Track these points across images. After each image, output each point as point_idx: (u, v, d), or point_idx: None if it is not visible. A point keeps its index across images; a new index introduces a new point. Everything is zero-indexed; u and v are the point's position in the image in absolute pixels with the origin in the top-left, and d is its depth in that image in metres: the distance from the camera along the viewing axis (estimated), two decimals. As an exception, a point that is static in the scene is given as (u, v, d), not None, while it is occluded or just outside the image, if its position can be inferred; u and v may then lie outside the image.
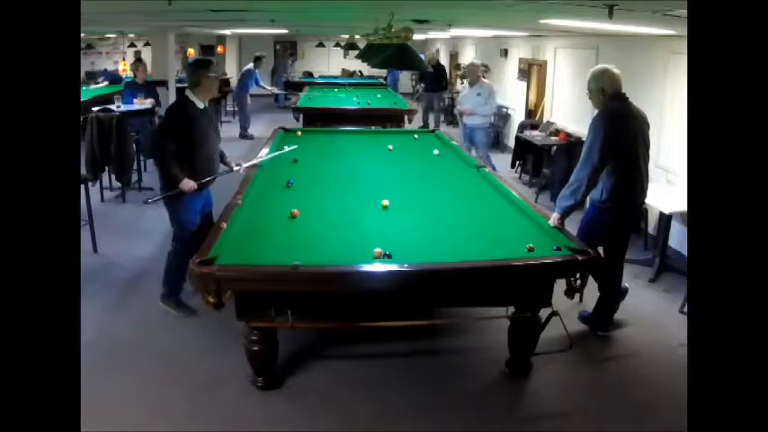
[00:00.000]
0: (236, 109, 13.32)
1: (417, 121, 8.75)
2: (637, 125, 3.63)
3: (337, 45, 15.92)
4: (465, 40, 13.06)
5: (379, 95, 10.28)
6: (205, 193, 4.02)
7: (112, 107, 7.43)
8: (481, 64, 11.38)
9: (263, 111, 13.62)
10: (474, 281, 2.97)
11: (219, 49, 16.52)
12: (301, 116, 8.21)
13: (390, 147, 5.68)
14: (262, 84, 11.34)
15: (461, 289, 3.08)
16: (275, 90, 11.39)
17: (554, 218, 3.44)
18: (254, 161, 4.57)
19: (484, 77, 7.60)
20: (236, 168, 4.23)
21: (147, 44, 13.28)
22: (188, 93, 3.89)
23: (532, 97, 9.21)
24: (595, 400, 3.22)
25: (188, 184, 3.76)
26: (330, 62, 17.36)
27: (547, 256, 2.98)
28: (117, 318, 3.95)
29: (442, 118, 11.87)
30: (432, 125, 10.54)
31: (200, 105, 3.89)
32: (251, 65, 11.29)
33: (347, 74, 16.82)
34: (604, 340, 3.83)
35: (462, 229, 3.42)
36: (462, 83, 8.51)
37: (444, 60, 15.32)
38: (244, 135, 10.80)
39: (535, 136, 7.58)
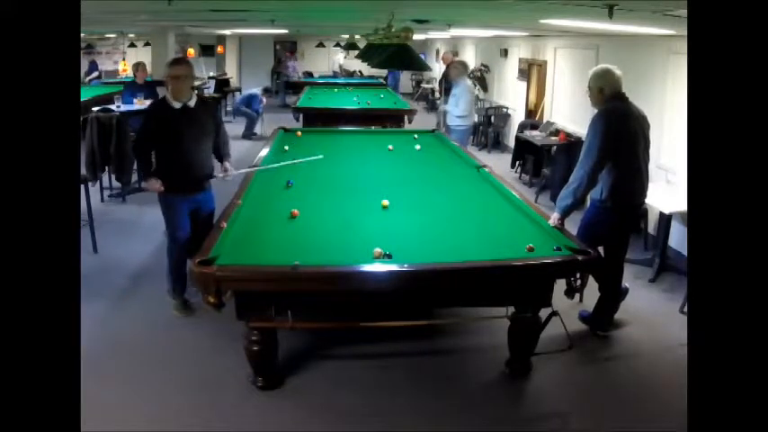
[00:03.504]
0: (235, 109, 13.36)
1: (423, 124, 8.72)
2: (636, 125, 3.63)
3: (337, 45, 15.95)
4: (465, 40, 13.06)
5: (379, 95, 10.28)
6: (199, 197, 3.95)
7: (112, 107, 7.43)
8: (483, 64, 11.40)
9: (264, 110, 13.61)
10: (474, 281, 2.97)
11: (219, 49, 16.53)
12: (301, 116, 8.20)
13: (390, 147, 5.68)
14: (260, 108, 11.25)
15: (461, 289, 3.08)
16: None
17: (554, 218, 3.44)
18: (248, 170, 4.34)
19: (484, 77, 7.54)
20: (219, 175, 4.06)
21: (147, 44, 13.28)
22: (166, 93, 3.89)
23: (532, 97, 9.21)
24: (595, 400, 3.22)
25: (152, 184, 3.78)
26: (330, 62, 17.35)
27: (547, 256, 2.98)
28: (117, 318, 3.95)
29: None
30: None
31: (176, 105, 3.78)
32: (259, 90, 11.27)
33: (347, 74, 16.82)
34: (604, 340, 3.83)
35: (462, 229, 3.42)
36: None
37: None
38: (247, 135, 10.78)
39: (535, 136, 7.58)
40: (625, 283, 4.02)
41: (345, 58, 16.00)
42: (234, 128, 11.40)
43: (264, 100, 11.51)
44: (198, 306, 3.90)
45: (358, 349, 3.59)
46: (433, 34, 11.70)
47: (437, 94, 11.98)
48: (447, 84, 8.65)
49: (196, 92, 3.91)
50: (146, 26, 8.80)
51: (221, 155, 4.12)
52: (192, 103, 3.84)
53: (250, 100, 11.07)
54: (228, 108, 13.26)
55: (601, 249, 3.69)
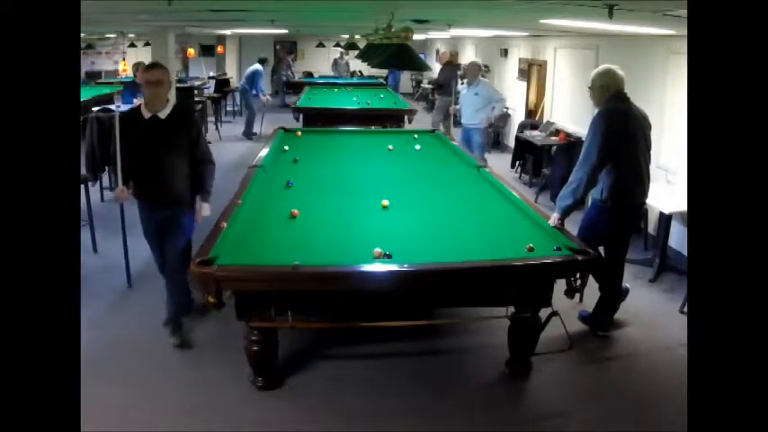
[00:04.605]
0: (236, 108, 13.32)
1: (423, 124, 8.71)
2: (637, 125, 3.64)
3: (337, 45, 15.92)
4: (465, 40, 13.06)
5: (379, 95, 10.28)
6: (168, 214, 3.62)
7: (112, 107, 7.43)
8: (483, 64, 11.38)
9: (264, 110, 13.60)
10: (474, 281, 2.97)
11: (219, 49, 16.52)
12: (301, 116, 8.20)
13: (390, 147, 5.68)
14: (262, 88, 11.14)
15: (461, 289, 3.08)
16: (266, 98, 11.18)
17: (554, 218, 3.44)
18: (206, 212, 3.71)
19: (483, 77, 7.54)
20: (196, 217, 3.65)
21: (147, 44, 13.28)
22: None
23: (532, 97, 9.21)
24: (595, 400, 3.22)
25: (120, 191, 3.62)
26: (330, 62, 17.34)
27: (547, 256, 2.98)
28: (117, 318, 3.95)
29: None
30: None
31: (146, 115, 3.54)
32: (259, 66, 11.19)
33: (350, 74, 16.80)
34: (604, 340, 3.83)
35: (462, 229, 3.42)
36: (462, 82, 8.32)
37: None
38: (247, 134, 10.74)
39: (535, 136, 7.58)
40: (625, 283, 4.02)
41: (345, 55, 15.95)
42: (234, 128, 11.42)
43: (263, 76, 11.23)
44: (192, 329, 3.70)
45: (358, 349, 3.59)
46: (433, 34, 11.70)
47: (437, 94, 11.94)
48: (457, 82, 8.65)
49: (173, 102, 3.66)
50: (146, 26, 8.79)
51: (200, 183, 3.66)
52: (163, 114, 3.54)
53: (255, 77, 10.90)
54: (228, 108, 13.26)
55: (601, 249, 3.70)
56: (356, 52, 8.04)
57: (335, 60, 16.47)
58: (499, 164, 7.88)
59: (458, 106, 7.36)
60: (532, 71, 9.14)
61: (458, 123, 7.97)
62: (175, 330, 3.60)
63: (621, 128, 3.55)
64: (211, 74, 14.67)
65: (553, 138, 7.29)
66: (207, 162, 3.69)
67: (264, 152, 5.16)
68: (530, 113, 9.14)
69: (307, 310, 3.26)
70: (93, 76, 14.43)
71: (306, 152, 5.38)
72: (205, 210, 3.70)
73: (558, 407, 3.16)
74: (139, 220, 3.80)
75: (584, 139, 3.70)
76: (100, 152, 6.25)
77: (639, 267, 4.85)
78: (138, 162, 3.58)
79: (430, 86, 14.22)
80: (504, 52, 10.27)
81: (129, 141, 3.56)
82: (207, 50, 16.20)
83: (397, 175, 4.74)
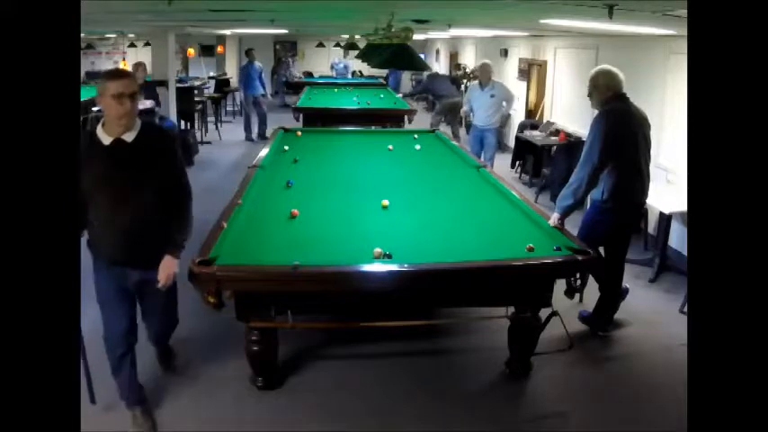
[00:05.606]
0: (236, 109, 13.33)
1: (423, 124, 8.69)
2: (637, 125, 3.64)
3: (337, 45, 15.94)
4: (465, 40, 13.07)
5: (379, 95, 10.28)
6: (136, 280, 2.73)
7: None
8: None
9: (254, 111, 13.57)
10: (474, 281, 2.97)
11: (219, 49, 16.53)
12: (301, 116, 8.21)
13: (390, 147, 5.68)
14: (263, 84, 10.81)
15: (461, 289, 3.08)
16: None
17: (554, 218, 3.44)
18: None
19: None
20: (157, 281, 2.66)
21: (147, 44, 13.30)
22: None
23: (532, 97, 9.21)
24: (595, 400, 3.22)
25: None
26: (330, 62, 17.35)
27: (547, 256, 2.98)
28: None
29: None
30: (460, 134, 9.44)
31: (105, 141, 2.57)
32: (248, 62, 10.96)
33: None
34: (604, 340, 3.83)
35: (462, 229, 3.42)
36: (468, 83, 8.32)
37: (444, 60, 15.37)
38: (248, 137, 10.67)
39: (535, 136, 7.58)
40: (625, 283, 4.02)
41: (344, 57, 15.96)
42: (234, 129, 11.40)
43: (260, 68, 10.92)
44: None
45: (358, 349, 3.59)
46: (433, 34, 11.70)
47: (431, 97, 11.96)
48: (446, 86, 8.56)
49: (140, 120, 2.67)
50: (146, 26, 8.80)
51: (173, 228, 2.70)
52: (129, 138, 2.58)
53: (245, 74, 10.70)
54: (229, 108, 13.27)
55: (601, 249, 3.70)
56: (355, 52, 8.05)
57: (332, 65, 16.46)
58: (499, 164, 7.87)
59: (466, 108, 7.34)
60: (532, 71, 9.14)
61: (468, 126, 7.95)
62: (164, 359, 3.35)
63: (622, 128, 3.55)
64: (211, 74, 14.68)
65: (553, 138, 7.29)
66: (183, 196, 2.75)
67: (264, 152, 5.16)
68: (530, 113, 9.14)
69: (307, 310, 3.26)
70: (93, 76, 14.44)
71: (306, 152, 5.38)
72: (171, 266, 2.67)
73: (558, 407, 3.16)
74: (94, 280, 2.76)
75: (584, 139, 3.70)
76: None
77: (639, 267, 4.85)
78: (94, 204, 2.59)
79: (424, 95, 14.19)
80: (504, 52, 10.27)
81: (83, 177, 2.39)
82: (207, 50, 16.22)
83: (397, 175, 4.73)
